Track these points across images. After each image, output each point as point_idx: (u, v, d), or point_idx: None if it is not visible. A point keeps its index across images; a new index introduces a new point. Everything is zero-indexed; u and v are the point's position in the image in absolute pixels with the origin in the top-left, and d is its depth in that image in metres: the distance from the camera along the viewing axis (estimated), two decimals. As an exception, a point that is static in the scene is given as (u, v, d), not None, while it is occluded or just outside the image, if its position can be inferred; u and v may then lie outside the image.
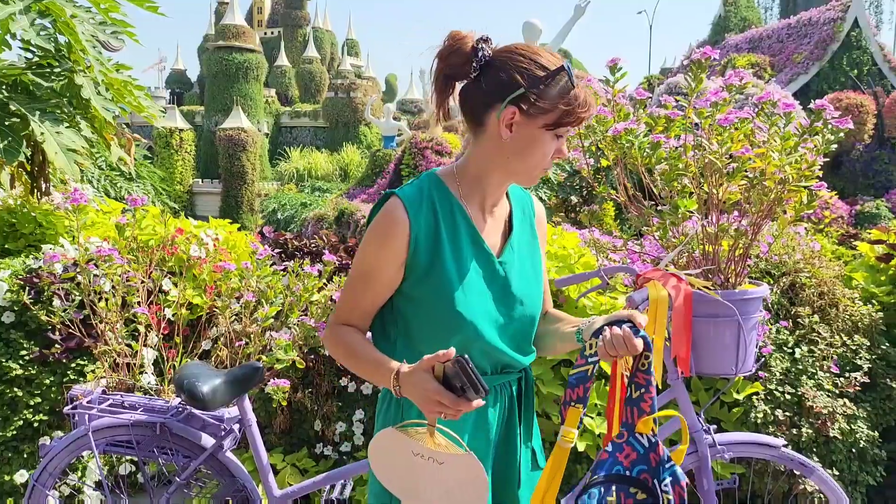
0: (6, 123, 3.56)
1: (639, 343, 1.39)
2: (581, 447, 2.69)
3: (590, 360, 1.45)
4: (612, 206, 2.89)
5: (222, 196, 27.23)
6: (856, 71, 16.40)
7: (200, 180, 28.20)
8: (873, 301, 3.23)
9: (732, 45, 19.88)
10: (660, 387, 2.08)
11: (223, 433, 2.18)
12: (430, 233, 1.40)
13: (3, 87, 3.74)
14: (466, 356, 1.22)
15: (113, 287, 2.39)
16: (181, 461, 2.19)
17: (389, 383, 1.34)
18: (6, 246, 3.99)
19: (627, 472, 1.47)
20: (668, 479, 1.42)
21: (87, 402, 2.21)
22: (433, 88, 1.41)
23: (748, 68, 16.17)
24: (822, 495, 2.75)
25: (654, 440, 1.49)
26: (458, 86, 1.41)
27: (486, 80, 1.35)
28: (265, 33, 39.21)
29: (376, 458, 1.42)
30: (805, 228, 3.54)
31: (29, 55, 4.07)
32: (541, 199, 8.91)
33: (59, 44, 3.79)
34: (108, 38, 3.88)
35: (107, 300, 2.36)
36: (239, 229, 3.97)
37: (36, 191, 4.57)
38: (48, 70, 4.00)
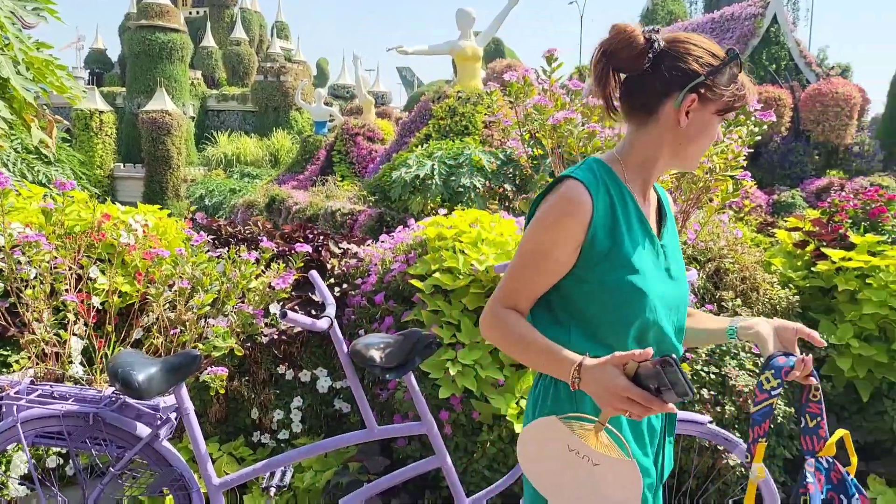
0: (-85, 102, 3.35)
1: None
2: (518, 429, 2.75)
3: (772, 393, 1.45)
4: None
5: (146, 181, 26.30)
6: (774, 66, 17.10)
7: (122, 165, 27.15)
8: (790, 285, 3.41)
9: (659, 39, 20.44)
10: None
11: (159, 422, 2.14)
12: (607, 216, 1.39)
13: (-88, 63, 3.51)
14: (674, 356, 1.17)
15: (40, 274, 2.30)
16: (115, 452, 2.14)
17: (567, 374, 1.30)
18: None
19: (822, 496, 1.52)
20: (855, 493, 1.49)
21: (15, 393, 2.13)
22: (596, 85, 1.40)
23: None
24: (742, 469, 2.90)
25: (832, 460, 1.54)
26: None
27: (663, 71, 1.37)
28: (190, 13, 37.89)
29: (527, 446, 1.37)
30: (728, 216, 3.70)
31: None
32: (474, 186, 8.98)
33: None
34: (28, 13, 3.70)
35: (34, 287, 2.27)
36: (169, 215, 3.87)
37: (-53, 173, 4.33)
38: (-39, 46, 3.78)
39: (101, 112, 26.33)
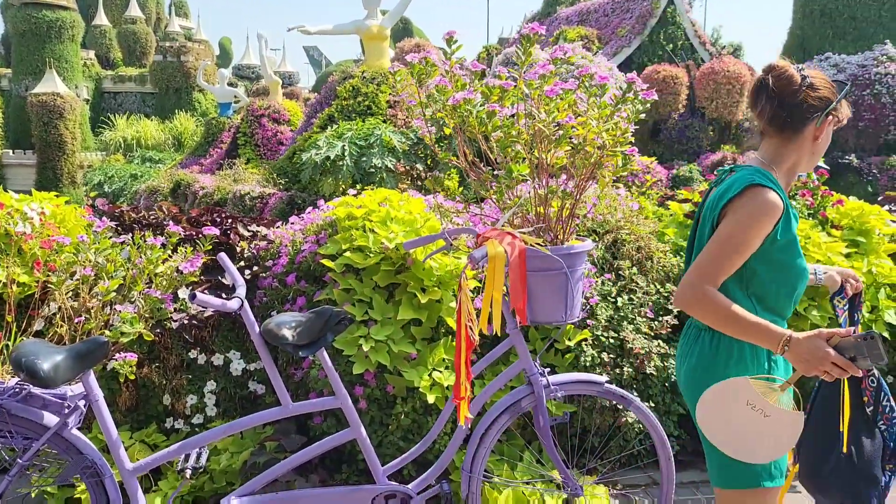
0: None
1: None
2: (431, 399, 2.85)
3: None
4: (455, 172, 3.03)
5: (38, 168, 24.86)
6: (671, 45, 17.80)
7: (11, 151, 25.53)
8: (681, 253, 3.65)
9: (564, 18, 20.86)
10: (499, 335, 2.28)
11: (67, 411, 2.11)
12: (786, 212, 1.78)
13: None
14: (875, 332, 1.58)
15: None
16: (22, 443, 2.10)
17: (776, 344, 1.67)
18: None
19: None
20: None
21: None
22: (753, 110, 1.90)
23: (578, 40, 17.08)
24: (640, 424, 3.11)
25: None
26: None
27: (809, 98, 1.80)
28: (80, -11, 35.75)
29: (712, 404, 1.73)
30: (626, 191, 3.90)
31: None
32: (386, 166, 9.00)
33: None
34: None
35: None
36: (66, 203, 3.74)
37: None
38: None
39: (-16, 95, 24.63)
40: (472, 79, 2.27)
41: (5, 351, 2.29)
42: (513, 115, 2.31)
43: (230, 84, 23.15)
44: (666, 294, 3.39)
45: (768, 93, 1.82)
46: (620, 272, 3.38)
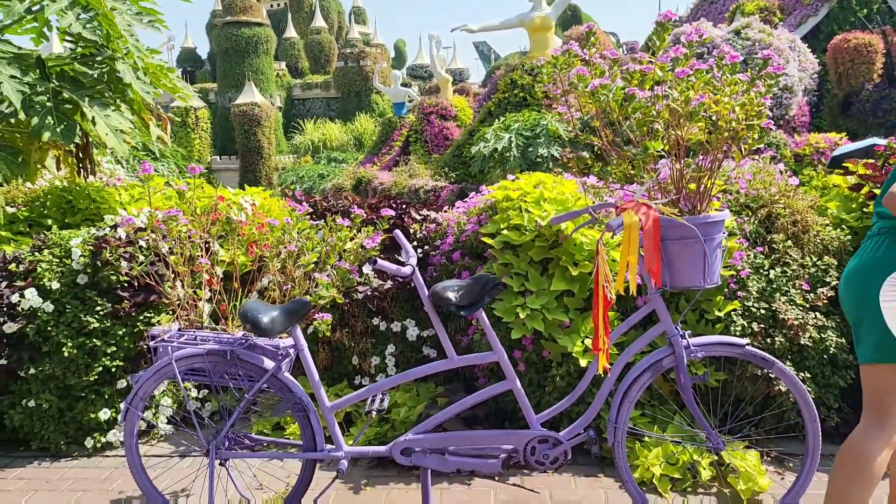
0: (60, 109, 3.98)
1: None
2: (584, 363, 3.11)
3: None
4: (617, 161, 3.21)
5: (240, 171, 27.69)
6: (864, 10, 16.30)
7: (219, 157, 28.66)
8: (843, 226, 3.60)
9: (741, -10, 19.76)
10: (634, 295, 2.49)
11: (281, 357, 2.63)
12: None
13: (53, 76, 4.15)
14: None
15: (180, 242, 2.83)
16: (248, 384, 2.65)
17: None
18: (66, 220, 4.47)
19: None
20: None
21: (168, 338, 2.67)
22: None
23: (756, 13, 16.16)
24: (792, 396, 3.15)
25: None
26: None
27: None
28: (271, 6, 39.17)
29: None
30: (783, 166, 3.89)
31: (71, 46, 4.48)
32: (551, 155, 9.21)
33: (100, 35, 4.18)
34: (144, 26, 4.28)
35: (175, 254, 2.81)
36: (270, 196, 4.41)
37: (83, 171, 5.03)
38: (91, 59, 4.42)
39: (196, 108, 27.89)
40: (610, 66, 2.50)
41: (233, 311, 2.87)
42: (652, 97, 2.51)
43: (403, 84, 24.37)
44: (824, 267, 3.38)
45: None
46: (774, 245, 3.41)
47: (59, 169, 5.35)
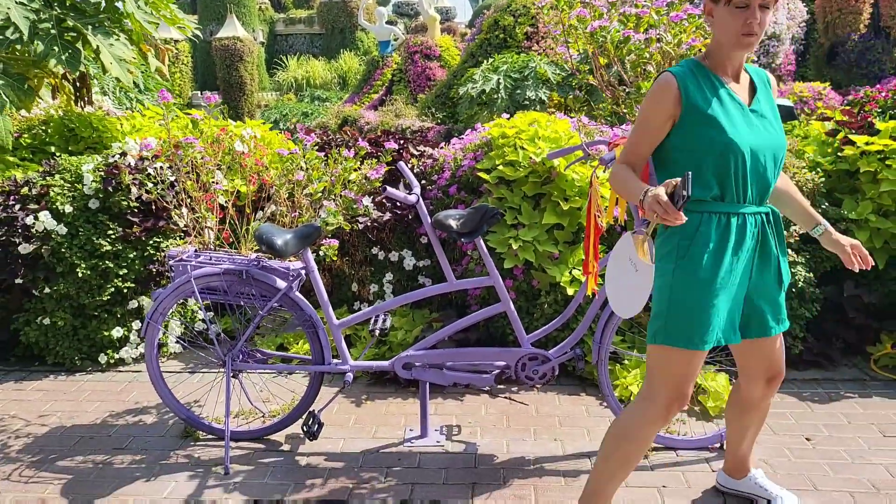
0: (64, 37, 4.04)
1: None
2: (570, 292, 3.34)
3: None
4: (609, 99, 3.37)
5: (225, 108, 27.29)
6: (855, -41, 16.26)
7: (200, 92, 28.15)
8: (818, 169, 3.81)
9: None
10: (623, 225, 2.70)
11: (292, 277, 2.83)
12: (698, 94, 1.93)
13: (56, 4, 4.19)
14: (690, 174, 1.66)
15: (195, 168, 2.98)
16: (261, 302, 2.85)
17: (637, 197, 1.83)
18: (69, 148, 4.57)
19: None
20: None
21: (186, 258, 2.84)
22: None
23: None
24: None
25: None
26: None
27: None
28: (253, -64, 37.91)
29: (612, 263, 2.18)
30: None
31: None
32: (540, 98, 9.29)
33: (101, -37, 4.20)
34: (145, -44, 4.31)
35: (196, 177, 2.96)
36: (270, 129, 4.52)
37: (79, 101, 5.09)
38: (91, -13, 4.44)
39: (176, 41, 27.28)
40: (608, 8, 2.65)
41: (246, 235, 3.05)
42: (647, 39, 2.66)
43: (388, 22, 23.97)
44: (797, 207, 3.60)
45: None
46: (752, 186, 3.63)
47: (53, 98, 5.40)
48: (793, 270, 3.48)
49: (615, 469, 2.12)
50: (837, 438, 2.94)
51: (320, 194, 3.10)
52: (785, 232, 3.50)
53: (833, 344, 3.68)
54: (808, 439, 2.94)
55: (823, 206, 3.68)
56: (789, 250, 3.52)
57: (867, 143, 3.62)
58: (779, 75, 12.67)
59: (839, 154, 3.79)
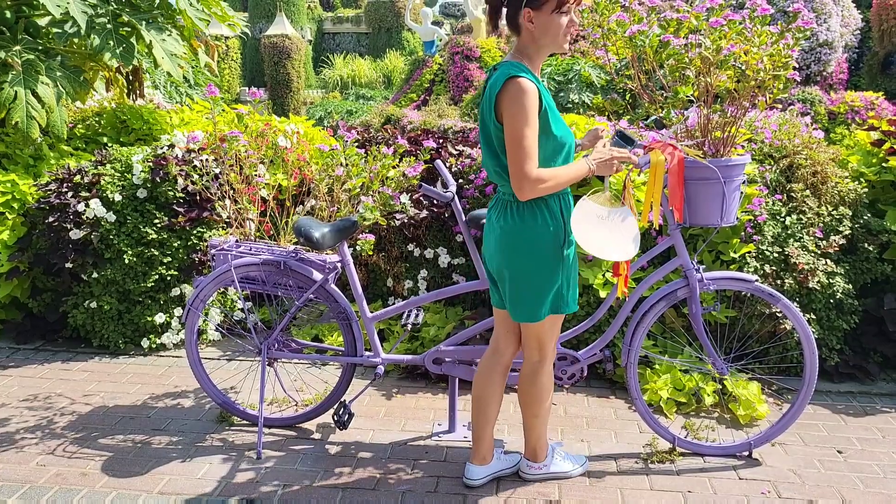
0: (119, 32, 4.19)
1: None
2: (603, 294, 3.35)
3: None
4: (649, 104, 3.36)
5: (269, 104, 27.76)
6: (915, -35, 15.79)
7: (248, 88, 28.67)
8: (861, 179, 3.75)
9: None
10: (657, 228, 2.71)
11: (328, 270, 2.90)
12: (542, 94, 2.18)
13: (112, 0, 4.34)
14: (617, 127, 2.08)
15: (239, 161, 3.07)
16: (297, 293, 2.92)
17: (587, 170, 2.27)
18: (120, 139, 4.73)
19: None
20: None
21: (227, 247, 2.94)
22: (489, 19, 2.28)
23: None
24: (796, 334, 3.38)
25: None
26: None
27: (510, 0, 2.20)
28: (305, -65, 38.44)
29: (576, 226, 2.28)
30: (810, 119, 4.02)
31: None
32: (583, 102, 9.26)
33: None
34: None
35: (239, 169, 3.06)
36: (314, 125, 4.62)
37: (132, 94, 5.26)
38: (146, -15, 4.59)
39: (226, 38, 27.81)
40: (648, 13, 2.65)
41: (285, 227, 3.13)
42: (686, 44, 2.66)
43: (434, 23, 24.04)
44: (838, 216, 3.55)
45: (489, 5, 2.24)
46: (792, 194, 3.59)
47: (107, 90, 5.59)
48: (831, 281, 3.44)
49: (544, 417, 2.58)
50: (870, 453, 2.90)
51: (358, 190, 3.16)
52: (825, 242, 3.46)
53: (871, 357, 3.62)
54: (839, 452, 2.90)
55: (866, 217, 3.61)
56: (828, 261, 3.47)
57: (914, 154, 3.55)
58: (830, 84, 12.39)
59: (884, 164, 3.72)
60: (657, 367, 3.38)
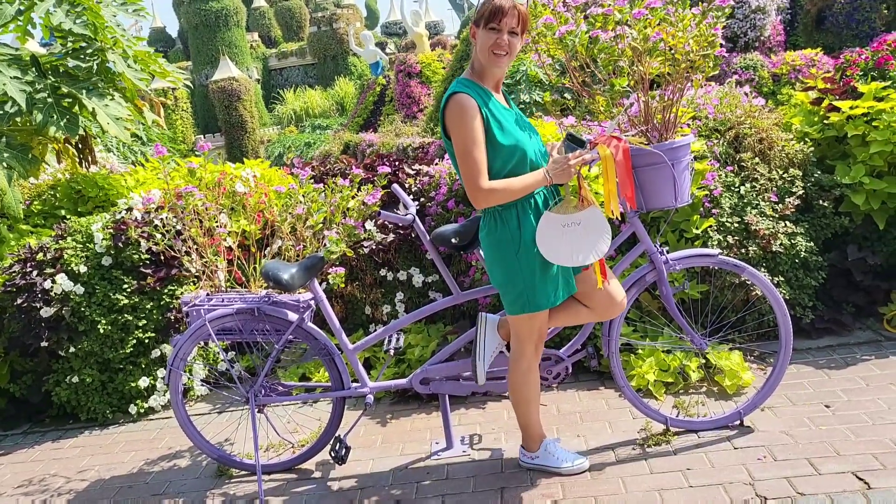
0: (61, 104, 4.17)
1: None
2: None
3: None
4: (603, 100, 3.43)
5: (226, 148, 27.60)
6: (832, -79, 16.22)
7: (203, 136, 28.54)
8: (807, 139, 3.85)
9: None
10: (620, 220, 2.76)
11: (302, 309, 2.91)
12: (483, 106, 2.30)
13: (49, 73, 4.34)
14: (567, 131, 2.28)
15: (198, 216, 3.08)
16: (275, 336, 2.93)
17: (543, 180, 2.32)
18: (78, 209, 4.71)
19: None
20: None
21: (199, 302, 2.94)
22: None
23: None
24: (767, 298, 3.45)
25: None
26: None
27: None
28: (236, -24, 38.45)
29: (542, 241, 2.33)
30: (748, 90, 4.12)
31: (61, 42, 4.64)
32: (535, 101, 9.35)
33: (89, 28, 4.34)
34: (130, 15, 4.45)
35: (199, 223, 3.07)
36: (270, 167, 4.63)
37: (83, 162, 5.24)
38: (81, 53, 4.59)
39: (174, 89, 27.70)
40: (574, 12, 2.72)
41: (253, 274, 3.14)
42: (615, 37, 2.73)
43: (378, 44, 24.20)
44: (790, 178, 3.64)
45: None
46: (743, 164, 3.68)
47: (59, 162, 5.55)
48: (793, 242, 3.52)
49: (531, 402, 2.64)
50: (857, 402, 2.97)
51: (321, 225, 3.19)
52: (781, 205, 3.55)
53: (844, 309, 3.71)
54: (827, 406, 2.97)
55: (816, 175, 3.71)
56: (787, 222, 3.55)
57: (852, 108, 3.65)
58: (769, 47, 12.65)
59: (825, 122, 3.83)
60: (640, 351, 3.43)
